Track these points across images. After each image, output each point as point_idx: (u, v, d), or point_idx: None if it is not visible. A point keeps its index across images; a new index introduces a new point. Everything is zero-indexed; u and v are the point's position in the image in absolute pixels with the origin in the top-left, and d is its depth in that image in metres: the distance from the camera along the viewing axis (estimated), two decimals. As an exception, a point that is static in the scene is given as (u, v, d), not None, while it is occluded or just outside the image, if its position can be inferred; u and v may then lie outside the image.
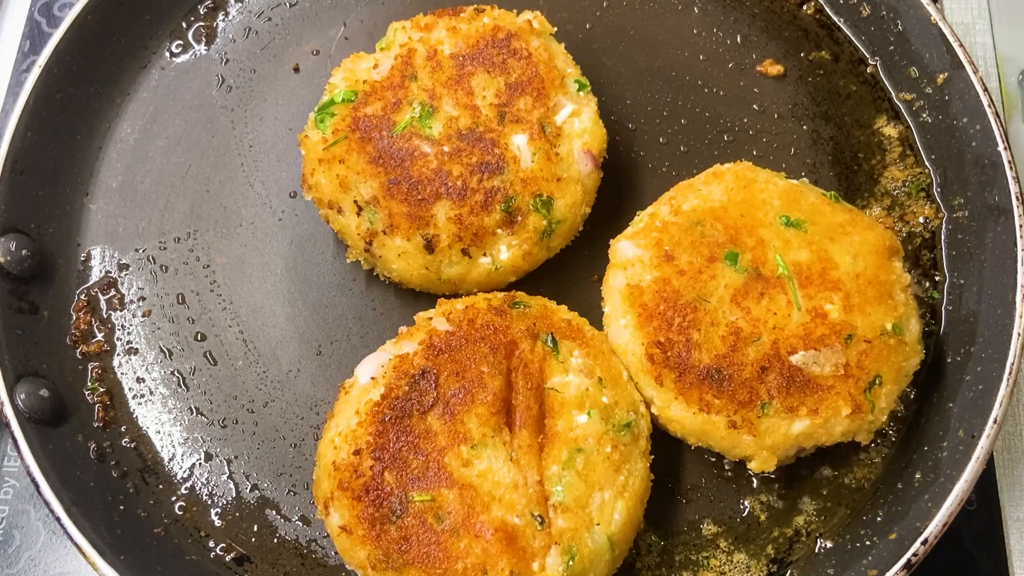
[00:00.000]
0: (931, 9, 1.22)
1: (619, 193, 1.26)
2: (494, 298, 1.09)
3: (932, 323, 1.18)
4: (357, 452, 1.00)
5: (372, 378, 1.05)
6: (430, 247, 1.11)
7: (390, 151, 1.13)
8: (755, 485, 1.13)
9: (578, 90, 1.18)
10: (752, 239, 1.08)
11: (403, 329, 1.08)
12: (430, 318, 1.08)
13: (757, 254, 1.07)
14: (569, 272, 1.22)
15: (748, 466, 1.06)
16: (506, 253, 1.13)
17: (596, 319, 1.14)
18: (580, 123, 1.16)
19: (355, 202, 1.13)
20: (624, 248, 1.11)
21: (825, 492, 1.13)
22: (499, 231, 1.12)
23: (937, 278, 1.19)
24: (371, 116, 1.15)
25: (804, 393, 1.02)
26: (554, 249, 1.17)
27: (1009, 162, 1.13)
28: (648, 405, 1.08)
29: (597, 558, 0.99)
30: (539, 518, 0.97)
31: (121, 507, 1.13)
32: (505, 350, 1.04)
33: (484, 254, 1.13)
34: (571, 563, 0.97)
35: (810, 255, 1.07)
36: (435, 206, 1.11)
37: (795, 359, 1.03)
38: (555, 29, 1.23)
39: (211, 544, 1.13)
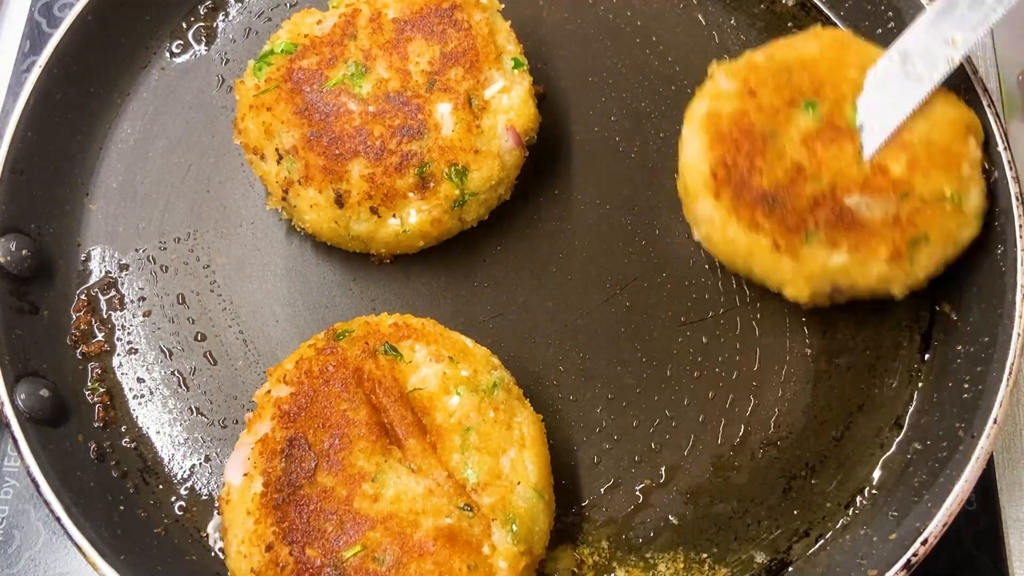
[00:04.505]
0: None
1: (618, 189, 1.26)
2: (317, 340, 1.09)
3: (930, 322, 1.18)
4: (270, 547, 0.98)
5: (245, 475, 1.02)
6: (340, 202, 1.13)
7: (317, 104, 1.16)
8: (754, 485, 1.13)
9: (514, 67, 1.19)
10: (835, 93, 1.13)
11: (248, 415, 1.07)
12: (268, 391, 1.07)
13: (835, 107, 1.13)
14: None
15: (784, 293, 1.12)
16: (415, 217, 1.14)
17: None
18: (508, 100, 1.17)
19: (276, 150, 1.15)
20: (715, 79, 1.17)
21: (825, 492, 1.13)
22: (411, 195, 1.13)
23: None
24: (305, 69, 1.17)
25: (850, 230, 1.08)
26: (467, 222, 1.18)
27: (1009, 162, 1.13)
28: (694, 230, 1.17)
29: (534, 512, 1.01)
30: (467, 507, 0.98)
31: (121, 507, 1.13)
32: (354, 380, 1.04)
33: (393, 215, 1.14)
34: (515, 528, 0.98)
35: None
36: (351, 162, 1.13)
37: (848, 200, 1.08)
38: (503, 6, 1.24)
39: (211, 544, 1.13)
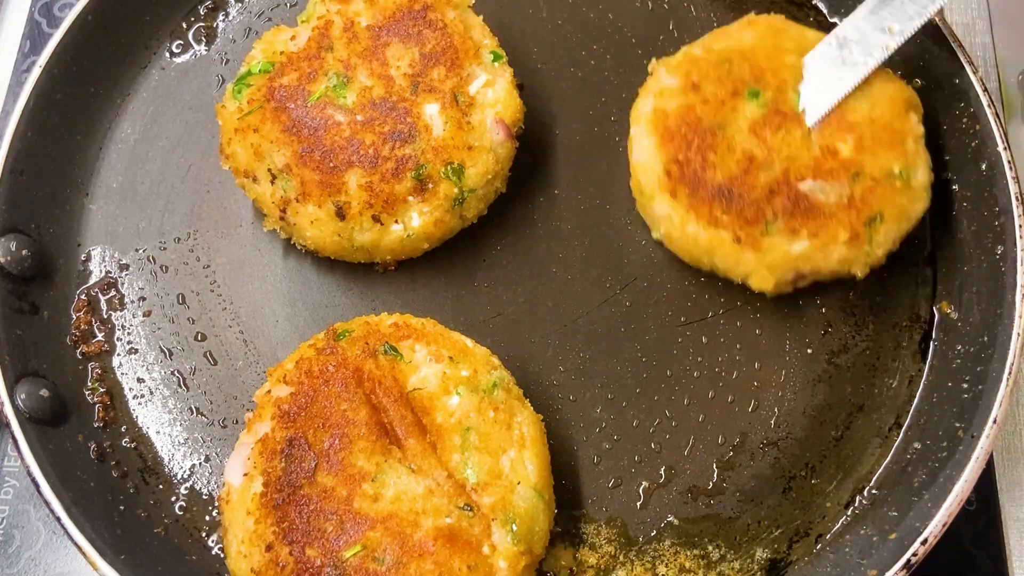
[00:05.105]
0: (931, 9, 1.22)
1: (617, 189, 1.26)
2: (317, 340, 1.09)
3: (930, 322, 1.18)
4: (270, 547, 0.98)
5: (245, 475, 1.02)
6: (341, 214, 1.12)
7: (304, 120, 1.15)
8: (754, 485, 1.13)
9: (493, 60, 1.19)
10: (776, 80, 1.15)
11: (248, 415, 1.07)
12: (268, 391, 1.07)
13: (778, 93, 1.14)
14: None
15: (749, 284, 1.13)
16: (418, 220, 1.14)
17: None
18: (493, 93, 1.17)
19: (269, 170, 1.14)
20: (656, 76, 1.19)
21: (825, 492, 1.13)
22: (410, 198, 1.13)
23: (935, 276, 1.20)
24: (286, 86, 1.17)
25: (807, 217, 1.09)
26: (468, 219, 1.18)
27: (1009, 162, 1.13)
28: (654, 230, 1.18)
29: (534, 512, 1.01)
30: (467, 507, 0.98)
31: (121, 507, 1.13)
32: (354, 380, 1.04)
33: (396, 221, 1.14)
34: (515, 528, 0.98)
35: None
36: (347, 174, 1.12)
37: (803, 186, 1.09)
38: (473, 0, 1.24)
39: (211, 544, 1.13)
